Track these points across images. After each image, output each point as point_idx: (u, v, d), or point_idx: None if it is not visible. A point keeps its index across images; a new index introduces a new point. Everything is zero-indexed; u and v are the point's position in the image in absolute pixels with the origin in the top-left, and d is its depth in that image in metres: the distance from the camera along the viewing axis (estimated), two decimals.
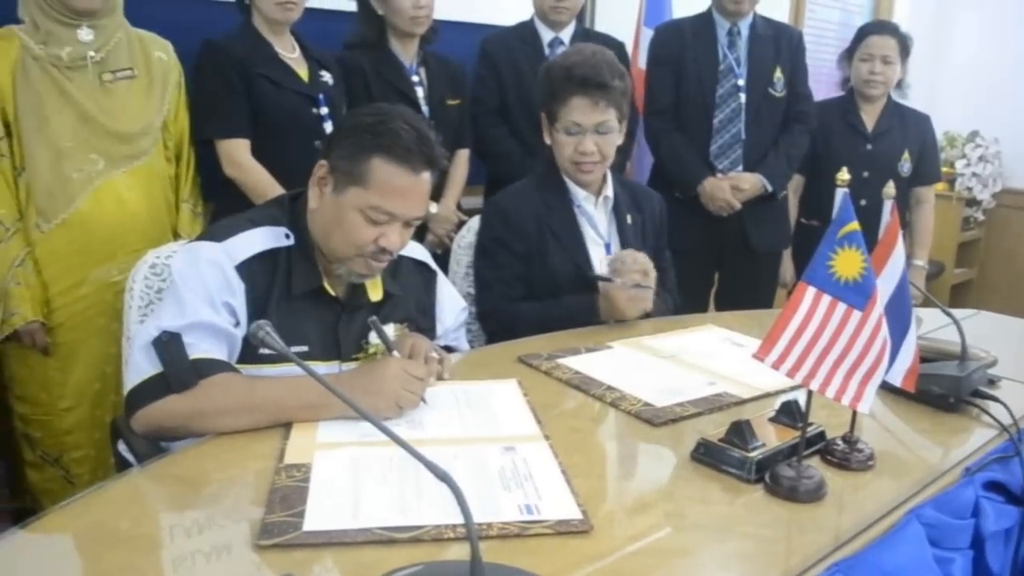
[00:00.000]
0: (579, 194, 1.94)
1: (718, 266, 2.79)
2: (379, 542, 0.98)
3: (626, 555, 0.99)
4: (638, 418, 1.36)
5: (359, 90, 2.37)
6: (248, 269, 1.38)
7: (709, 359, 1.66)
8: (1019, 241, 4.31)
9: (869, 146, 2.82)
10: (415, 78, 2.45)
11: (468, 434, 1.29)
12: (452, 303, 1.73)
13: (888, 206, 1.16)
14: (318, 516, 1.03)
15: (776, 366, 1.09)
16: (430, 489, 1.07)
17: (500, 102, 2.62)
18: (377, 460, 1.16)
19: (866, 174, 2.77)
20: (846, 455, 1.25)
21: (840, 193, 1.22)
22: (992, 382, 1.55)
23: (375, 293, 1.52)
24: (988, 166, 4.16)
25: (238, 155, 2.15)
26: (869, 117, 2.84)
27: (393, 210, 1.38)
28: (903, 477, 1.22)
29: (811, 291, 1.09)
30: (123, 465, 1.59)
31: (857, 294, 1.09)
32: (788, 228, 2.87)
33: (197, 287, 1.34)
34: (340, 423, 1.28)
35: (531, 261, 1.91)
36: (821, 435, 1.29)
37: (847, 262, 1.08)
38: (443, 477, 0.82)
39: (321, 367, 1.44)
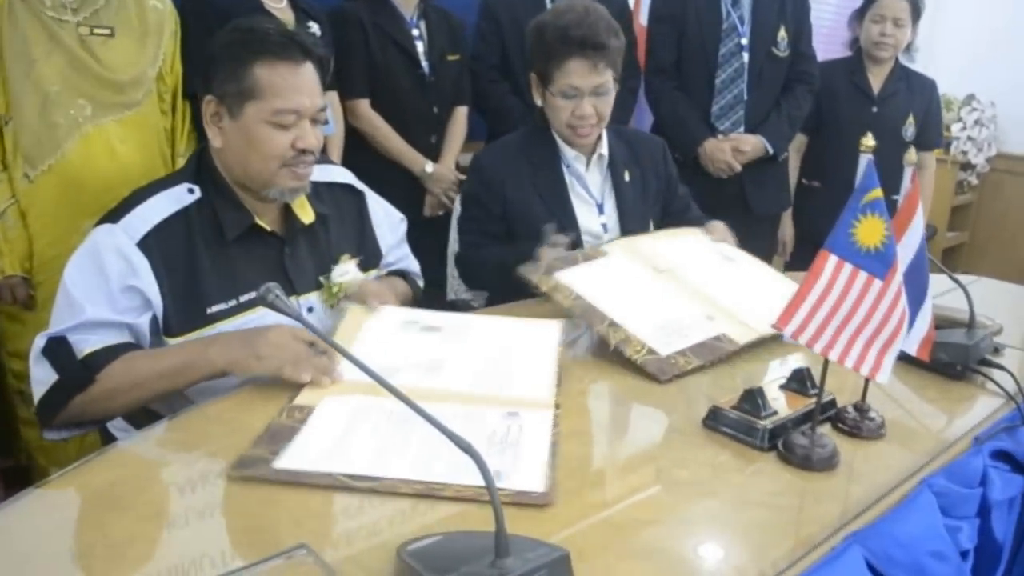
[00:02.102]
0: (569, 154, 1.89)
1: None
2: (335, 488, 0.99)
3: (632, 525, 0.98)
4: (644, 371, 1.36)
5: (357, 42, 2.31)
6: (150, 242, 1.34)
7: (706, 282, 1.63)
8: (1010, 205, 4.31)
9: (875, 108, 2.78)
10: (415, 32, 2.39)
11: (478, 391, 1.26)
12: (387, 217, 1.71)
13: (908, 173, 1.14)
14: (294, 456, 1.04)
15: (796, 336, 1.09)
16: (414, 442, 1.08)
17: (502, 58, 2.56)
18: (379, 410, 1.15)
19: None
20: (857, 423, 1.24)
21: (864, 159, 1.20)
22: (997, 350, 1.55)
23: (306, 215, 1.51)
24: (983, 130, 4.14)
25: None
26: (876, 79, 2.81)
27: (296, 106, 1.36)
28: (914, 446, 1.22)
29: (832, 259, 1.07)
30: (106, 435, 1.57)
31: (879, 263, 1.07)
32: (788, 190, 2.85)
33: (85, 283, 1.31)
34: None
35: (513, 220, 1.87)
36: (832, 403, 1.29)
37: (869, 230, 1.07)
38: (466, 449, 0.80)
39: None
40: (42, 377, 1.29)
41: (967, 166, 4.23)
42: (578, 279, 1.53)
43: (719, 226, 1.90)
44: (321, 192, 1.55)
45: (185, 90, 2.12)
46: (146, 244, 1.34)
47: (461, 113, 2.55)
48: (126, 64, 1.97)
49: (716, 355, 1.42)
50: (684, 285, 1.60)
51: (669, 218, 2.03)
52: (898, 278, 1.08)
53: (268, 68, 1.35)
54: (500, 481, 1.01)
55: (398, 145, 2.38)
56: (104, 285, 1.31)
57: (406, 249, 1.78)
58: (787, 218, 2.91)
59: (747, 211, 2.67)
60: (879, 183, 1.06)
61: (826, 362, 1.13)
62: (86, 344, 1.28)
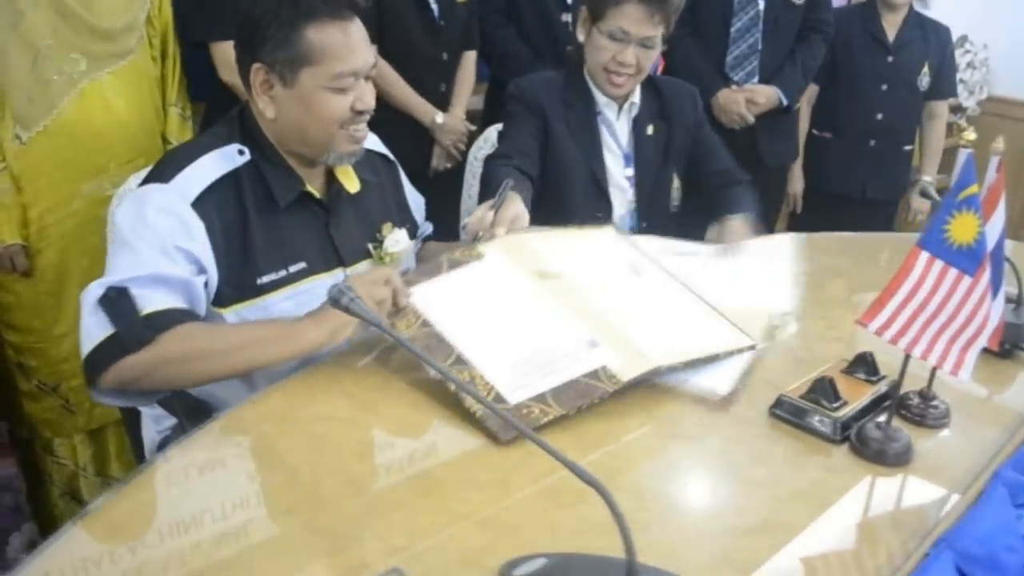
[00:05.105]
0: (601, 101, 1.84)
1: None
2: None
3: (725, 532, 0.97)
4: (481, 427, 1.09)
5: None
6: (205, 204, 1.27)
7: (598, 295, 1.32)
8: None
9: (890, 58, 2.72)
10: None
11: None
12: (414, 190, 1.67)
13: (995, 163, 1.10)
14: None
15: (880, 332, 1.06)
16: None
17: (508, 1, 2.44)
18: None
19: (885, 87, 2.70)
20: (922, 411, 1.23)
21: (964, 154, 1.15)
22: None
23: (351, 184, 1.45)
24: (975, 73, 4.11)
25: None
26: (891, 27, 2.73)
27: (353, 67, 1.31)
28: (978, 435, 1.21)
29: (924, 256, 1.04)
30: (132, 417, 1.50)
31: (969, 259, 1.04)
32: (797, 140, 2.80)
33: (146, 235, 1.22)
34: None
35: (549, 157, 1.82)
36: (894, 388, 1.27)
37: (963, 226, 1.03)
38: (592, 483, 0.76)
39: (327, 279, 1.38)
40: (94, 330, 1.17)
41: (957, 109, 4.20)
42: (432, 297, 1.25)
43: (731, 226, 1.76)
44: (362, 159, 1.47)
45: (182, 35, 1.99)
46: (201, 205, 1.26)
47: (470, 58, 2.43)
48: (117, 9, 1.84)
49: (587, 398, 1.13)
50: (569, 297, 1.29)
51: (693, 169, 1.97)
52: (987, 275, 1.05)
53: (320, 30, 1.27)
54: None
55: (407, 94, 2.26)
56: (158, 240, 1.23)
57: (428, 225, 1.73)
58: (796, 170, 2.85)
59: (759, 162, 2.61)
60: (974, 179, 1.02)
61: (907, 358, 1.11)
62: (148, 302, 1.18)
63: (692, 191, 2.00)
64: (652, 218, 1.90)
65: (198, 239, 1.25)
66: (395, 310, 1.21)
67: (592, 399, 1.14)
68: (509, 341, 1.20)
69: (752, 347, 1.33)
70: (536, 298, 1.29)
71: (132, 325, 1.16)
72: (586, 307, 1.29)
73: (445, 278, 1.29)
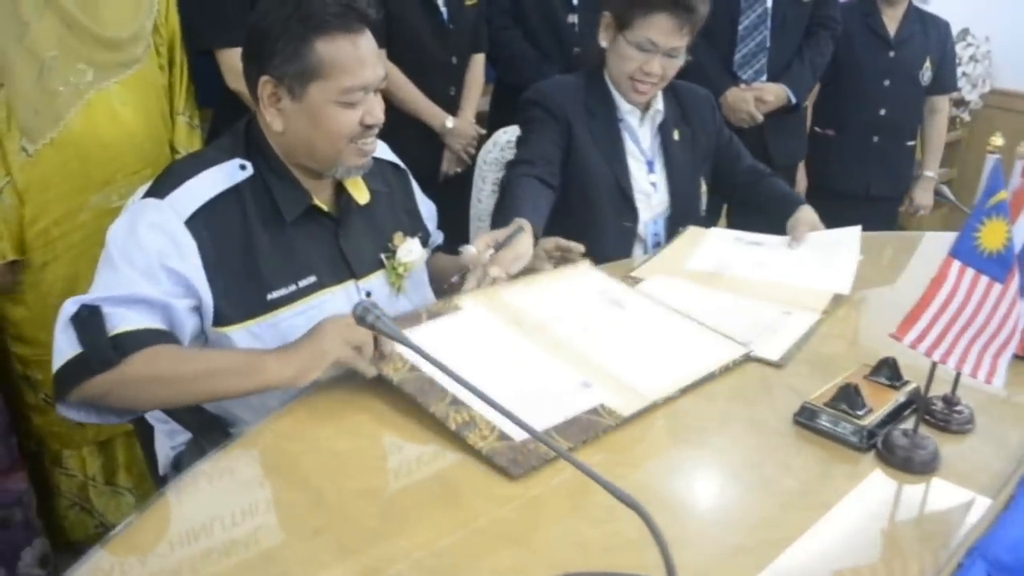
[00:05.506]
0: (623, 107, 1.83)
1: None
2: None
3: (763, 547, 0.95)
4: (491, 464, 1.06)
5: None
6: (199, 222, 1.25)
7: (584, 339, 1.33)
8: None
9: (892, 53, 2.71)
10: None
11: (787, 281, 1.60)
12: (424, 197, 1.65)
13: (1019, 167, 1.09)
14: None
15: (915, 345, 1.05)
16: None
17: (513, 2, 2.42)
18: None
19: (887, 82, 2.68)
20: (946, 416, 1.22)
21: (991, 160, 1.14)
22: None
23: (361, 195, 1.42)
24: (978, 66, 4.10)
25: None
26: (891, 22, 2.72)
27: (364, 82, 1.28)
28: (1004, 439, 1.20)
29: (956, 265, 1.03)
30: (145, 432, 1.49)
31: (999, 266, 1.04)
32: (805, 139, 2.79)
33: (133, 253, 1.21)
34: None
35: (570, 164, 1.80)
36: (921, 395, 1.26)
37: (992, 233, 1.03)
38: (631, 504, 0.75)
39: (338, 292, 1.37)
40: (64, 347, 1.16)
41: (960, 103, 4.19)
42: (418, 341, 1.14)
43: (805, 216, 1.83)
44: (372, 169, 1.45)
45: (188, 44, 1.97)
46: (195, 223, 1.24)
47: (479, 61, 2.41)
48: (124, 18, 1.82)
49: (591, 432, 1.13)
50: (555, 344, 1.31)
51: (719, 175, 1.98)
52: (1016, 281, 1.05)
53: (330, 44, 1.24)
54: None
55: (417, 98, 2.24)
56: (144, 259, 1.21)
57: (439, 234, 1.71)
58: (800, 169, 2.84)
59: (768, 161, 2.59)
60: (1003, 185, 1.01)
61: (933, 364, 1.10)
62: (121, 321, 1.17)
63: (715, 192, 2.02)
64: (686, 223, 1.88)
65: (189, 259, 1.23)
66: (379, 355, 1.18)
67: (596, 432, 1.13)
68: (501, 385, 1.13)
69: (746, 354, 1.36)
70: (521, 346, 1.29)
71: (98, 346, 1.15)
72: (572, 352, 1.29)
73: (425, 327, 1.28)
